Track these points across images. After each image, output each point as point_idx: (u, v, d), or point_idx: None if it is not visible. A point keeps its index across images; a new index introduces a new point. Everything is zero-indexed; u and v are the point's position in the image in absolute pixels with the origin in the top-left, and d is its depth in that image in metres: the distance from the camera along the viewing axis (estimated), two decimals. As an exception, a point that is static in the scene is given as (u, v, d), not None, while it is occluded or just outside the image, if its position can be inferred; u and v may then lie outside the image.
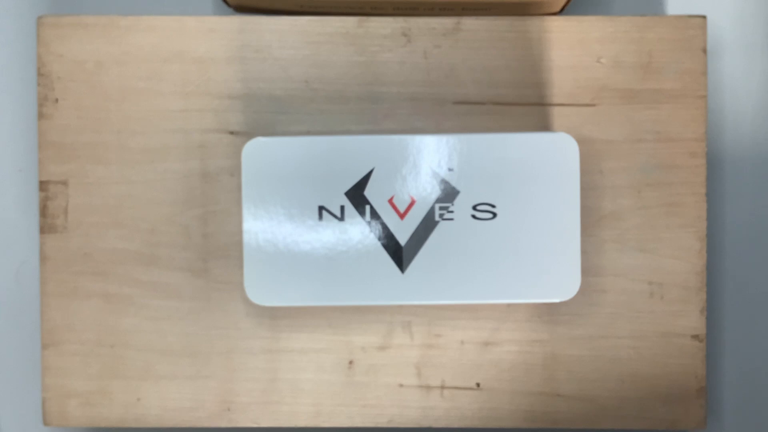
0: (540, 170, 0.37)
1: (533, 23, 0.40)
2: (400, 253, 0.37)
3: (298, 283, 0.37)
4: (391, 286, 0.37)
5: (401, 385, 0.41)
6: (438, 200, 0.37)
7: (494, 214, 0.37)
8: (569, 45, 0.40)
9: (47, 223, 0.40)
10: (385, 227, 0.37)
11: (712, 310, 0.44)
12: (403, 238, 0.37)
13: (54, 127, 0.40)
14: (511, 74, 0.40)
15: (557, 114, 0.40)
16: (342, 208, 0.37)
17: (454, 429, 0.41)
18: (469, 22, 0.40)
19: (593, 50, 0.40)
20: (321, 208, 0.37)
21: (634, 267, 0.40)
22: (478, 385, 0.41)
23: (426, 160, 0.37)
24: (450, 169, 0.37)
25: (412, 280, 0.37)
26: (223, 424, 0.41)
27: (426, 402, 0.41)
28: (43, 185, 0.40)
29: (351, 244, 0.37)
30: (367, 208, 0.37)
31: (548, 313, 0.41)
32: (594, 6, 0.44)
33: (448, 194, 0.37)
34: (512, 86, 0.40)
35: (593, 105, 0.40)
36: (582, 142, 0.40)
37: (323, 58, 0.40)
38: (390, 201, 0.37)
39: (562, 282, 0.37)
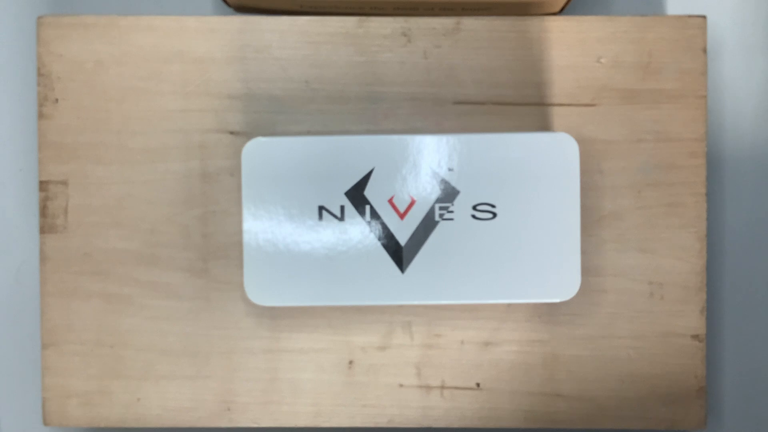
0: (540, 170, 0.37)
1: (533, 23, 0.40)
2: (400, 253, 0.37)
3: (298, 283, 0.37)
4: (391, 286, 0.37)
5: (401, 385, 0.41)
6: (438, 200, 0.37)
7: (494, 214, 0.37)
8: (569, 45, 0.40)
9: (47, 223, 0.40)
10: (385, 227, 0.37)
11: (712, 310, 0.44)
12: (403, 238, 0.37)
13: (54, 127, 0.40)
14: (511, 74, 0.40)
15: (557, 114, 0.40)
16: (342, 208, 0.37)
17: (454, 429, 0.41)
18: (469, 22, 0.40)
19: (593, 50, 0.40)
20: (321, 208, 0.37)
21: (634, 267, 0.40)
22: (478, 385, 0.41)
23: (426, 160, 0.37)
24: (450, 169, 0.37)
25: (412, 280, 0.37)
26: (223, 424, 0.41)
27: (426, 402, 0.41)
28: (43, 185, 0.40)
29: (351, 244, 0.37)
30: (367, 208, 0.37)
31: (548, 313, 0.41)
32: (594, 6, 0.44)
33: (448, 194, 0.37)
34: (512, 86, 0.40)
35: (593, 105, 0.40)
36: (582, 142, 0.40)
37: (323, 58, 0.40)
38: (390, 201, 0.37)
39: (562, 282, 0.37)
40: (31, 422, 0.44)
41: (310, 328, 0.41)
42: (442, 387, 0.41)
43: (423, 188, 0.37)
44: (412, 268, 0.37)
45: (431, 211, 0.37)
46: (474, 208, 0.37)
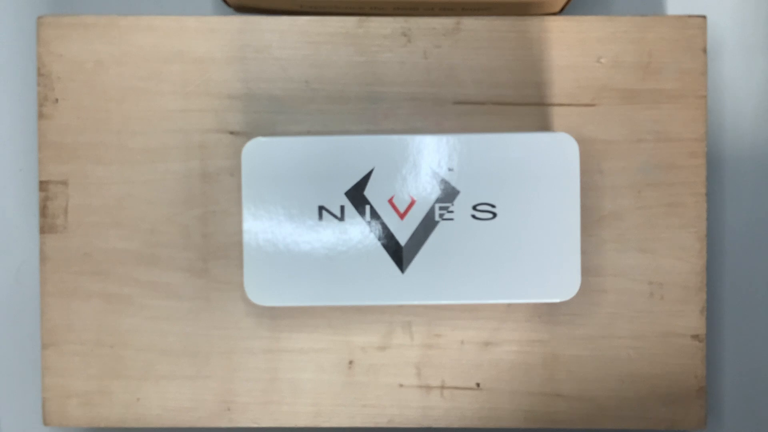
0: (540, 170, 0.37)
1: (533, 23, 0.40)
2: (400, 253, 0.37)
3: (298, 283, 0.37)
4: (391, 286, 0.37)
5: (401, 385, 0.41)
6: (438, 200, 0.37)
7: (494, 214, 0.37)
8: (569, 45, 0.40)
9: (47, 223, 0.40)
10: (385, 227, 0.37)
11: (712, 310, 0.44)
12: (403, 238, 0.37)
13: (54, 127, 0.40)
14: (511, 74, 0.40)
15: (557, 114, 0.40)
16: (342, 208, 0.37)
17: (454, 429, 0.41)
18: (469, 22, 0.40)
19: (593, 50, 0.40)
20: (321, 208, 0.37)
21: (634, 267, 0.40)
22: (478, 385, 0.41)
23: (426, 160, 0.37)
24: (450, 169, 0.37)
25: (412, 280, 0.37)
26: (223, 424, 0.41)
27: (426, 402, 0.41)
28: (43, 185, 0.40)
29: (351, 244, 0.37)
30: (367, 208, 0.37)
31: (548, 313, 0.41)
32: (594, 6, 0.44)
33: (448, 194, 0.37)
34: (512, 86, 0.40)
35: (593, 105, 0.40)
36: (582, 142, 0.40)
37: (323, 58, 0.40)
38: (390, 201, 0.37)
39: (562, 282, 0.37)
40: (31, 422, 0.44)
41: (310, 328, 0.41)
42: (442, 387, 0.41)
43: (423, 188, 0.37)
44: (412, 268, 0.37)
45: (431, 211, 0.37)
46: (474, 208, 0.37)
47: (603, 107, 0.40)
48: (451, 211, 0.37)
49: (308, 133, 0.40)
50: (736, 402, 0.44)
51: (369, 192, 0.37)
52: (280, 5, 0.41)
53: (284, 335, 0.40)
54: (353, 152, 0.37)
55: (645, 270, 0.40)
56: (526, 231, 0.37)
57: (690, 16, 0.40)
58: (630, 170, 0.40)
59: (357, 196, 0.37)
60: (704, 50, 0.40)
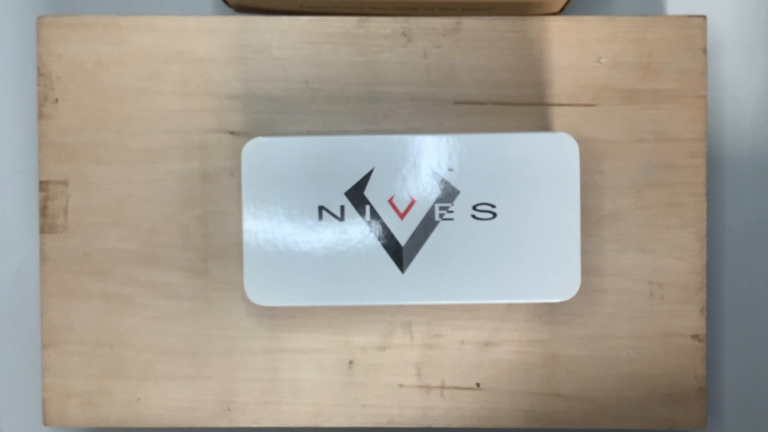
0: (540, 170, 0.37)
1: (533, 23, 0.40)
2: (400, 253, 0.37)
3: (298, 283, 0.37)
4: (391, 286, 0.37)
5: (401, 385, 0.41)
6: (438, 200, 0.37)
7: (494, 214, 0.37)
8: (569, 45, 0.40)
9: (47, 223, 0.40)
10: (385, 227, 0.37)
11: (712, 310, 0.44)
12: (403, 238, 0.37)
13: (54, 127, 0.40)
14: (511, 74, 0.40)
15: (557, 114, 0.40)
16: (342, 208, 0.37)
17: (454, 429, 0.41)
18: (469, 22, 0.40)
19: (593, 50, 0.40)
20: (321, 208, 0.37)
21: (634, 267, 0.40)
22: (478, 385, 0.41)
23: (426, 160, 0.37)
24: (450, 169, 0.37)
25: (412, 280, 0.37)
26: (223, 424, 0.41)
27: (426, 402, 0.41)
28: (43, 185, 0.40)
29: (351, 244, 0.37)
30: (367, 208, 0.37)
31: (548, 313, 0.41)
32: (594, 6, 0.44)
33: (448, 194, 0.37)
34: (512, 86, 0.40)
35: (593, 105, 0.40)
36: (582, 142, 0.40)
37: (323, 58, 0.40)
38: (390, 201, 0.37)
39: (562, 282, 0.37)
40: (31, 422, 0.44)
41: (310, 328, 0.41)
42: (442, 387, 0.41)
43: (423, 188, 0.37)
44: (412, 268, 0.37)
45: (431, 211, 0.37)
46: (474, 208, 0.37)
47: (603, 107, 0.40)
48: (451, 211, 0.37)
49: (308, 133, 0.40)
50: (736, 402, 0.44)
51: (369, 192, 0.37)
52: (280, 5, 0.41)
53: (284, 335, 0.40)
54: (353, 152, 0.37)
55: (645, 270, 0.40)
56: (526, 231, 0.37)
57: (690, 16, 0.40)
58: (630, 170, 0.40)
59: (357, 196, 0.37)
60: (704, 50, 0.40)
